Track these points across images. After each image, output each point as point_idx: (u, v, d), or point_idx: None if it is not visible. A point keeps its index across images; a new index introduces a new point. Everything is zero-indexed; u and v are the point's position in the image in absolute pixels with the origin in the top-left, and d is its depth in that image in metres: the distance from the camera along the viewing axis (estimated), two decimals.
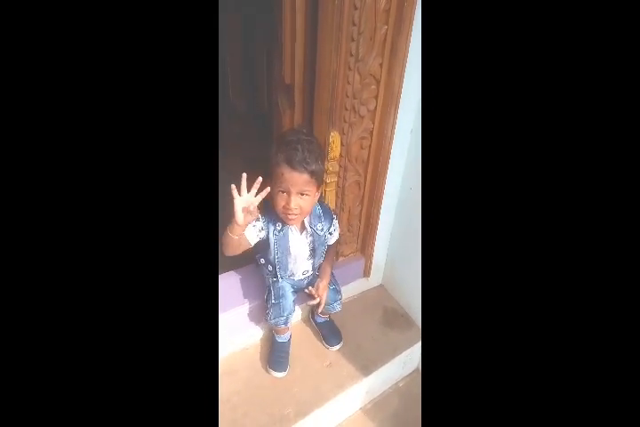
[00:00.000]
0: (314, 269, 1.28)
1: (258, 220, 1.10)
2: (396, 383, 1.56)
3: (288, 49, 1.19)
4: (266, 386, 1.30)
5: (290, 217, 1.04)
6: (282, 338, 1.38)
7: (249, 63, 2.03)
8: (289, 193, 0.99)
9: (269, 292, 1.26)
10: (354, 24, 0.98)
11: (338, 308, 1.37)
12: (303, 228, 1.16)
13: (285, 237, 1.14)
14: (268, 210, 1.10)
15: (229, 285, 1.40)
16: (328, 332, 1.46)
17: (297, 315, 1.51)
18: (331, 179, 1.34)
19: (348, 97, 1.10)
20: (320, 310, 1.30)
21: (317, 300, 1.20)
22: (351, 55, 1.03)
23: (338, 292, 1.34)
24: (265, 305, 1.27)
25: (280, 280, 1.25)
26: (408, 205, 1.43)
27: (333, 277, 1.33)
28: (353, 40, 1.01)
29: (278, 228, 1.12)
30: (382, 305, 1.64)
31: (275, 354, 1.36)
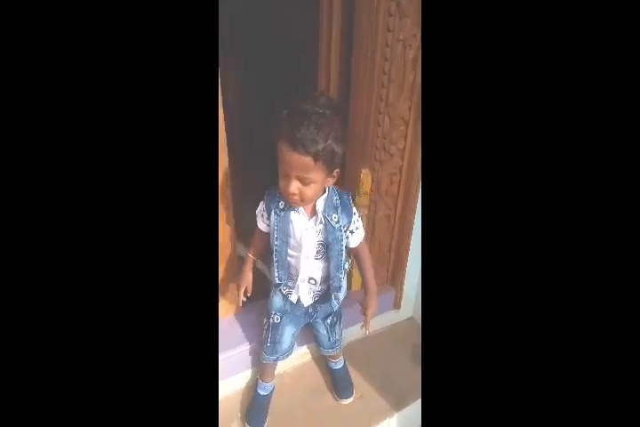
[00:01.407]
0: (325, 280, 1.07)
1: (263, 202, 1.03)
2: None
3: (323, 61, 1.28)
4: (298, 416, 1.30)
5: (291, 200, 0.90)
6: (263, 389, 1.28)
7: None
8: (289, 177, 0.84)
9: (267, 332, 1.18)
10: (384, 73, 1.09)
11: (333, 351, 1.33)
12: (313, 213, 0.97)
13: (286, 218, 0.96)
14: (272, 189, 0.99)
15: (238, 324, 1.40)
16: (339, 382, 1.37)
17: (303, 353, 1.47)
18: (361, 212, 1.42)
19: (378, 137, 1.19)
20: (364, 326, 1.14)
21: (362, 326, 1.13)
22: (381, 100, 1.13)
23: (337, 340, 1.28)
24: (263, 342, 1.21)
25: (280, 318, 1.15)
26: None
27: (339, 323, 1.25)
28: (383, 87, 1.11)
29: (281, 206, 0.97)
30: (413, 339, 1.63)
31: (254, 408, 1.26)
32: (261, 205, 1.04)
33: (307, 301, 1.11)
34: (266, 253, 1.12)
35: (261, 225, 1.06)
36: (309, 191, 0.86)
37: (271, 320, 1.16)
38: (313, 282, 1.08)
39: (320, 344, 1.29)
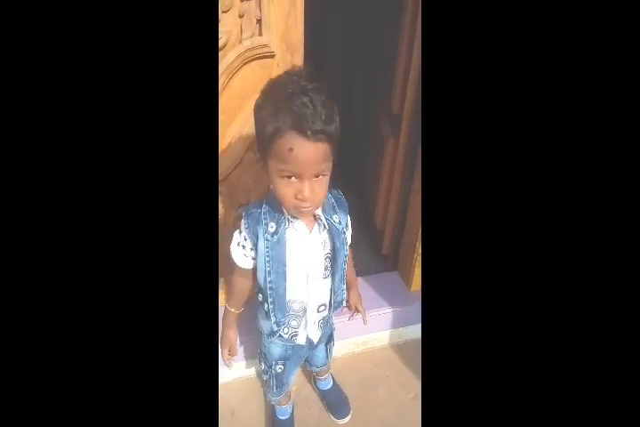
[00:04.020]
0: (335, 301, 0.86)
1: (240, 231, 0.78)
2: None
3: (400, 77, 1.20)
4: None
5: (304, 210, 0.69)
6: (282, 413, 1.14)
7: (347, 90, 2.10)
8: (301, 177, 0.64)
9: (271, 380, 1.00)
10: None
11: (325, 367, 1.15)
12: (313, 222, 0.77)
13: (281, 241, 0.74)
14: (249, 208, 0.78)
15: None
16: (334, 401, 1.21)
17: (347, 344, 1.35)
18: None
19: None
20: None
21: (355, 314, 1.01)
22: None
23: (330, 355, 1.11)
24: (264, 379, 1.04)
25: (284, 366, 0.97)
26: None
27: (332, 336, 1.05)
28: None
29: (271, 229, 0.74)
30: None
31: None
32: (238, 236, 0.78)
33: (316, 337, 0.90)
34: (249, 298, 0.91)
35: (244, 262, 0.80)
36: (321, 189, 0.68)
37: (273, 371, 0.98)
38: (322, 308, 0.85)
39: (313, 364, 1.12)
